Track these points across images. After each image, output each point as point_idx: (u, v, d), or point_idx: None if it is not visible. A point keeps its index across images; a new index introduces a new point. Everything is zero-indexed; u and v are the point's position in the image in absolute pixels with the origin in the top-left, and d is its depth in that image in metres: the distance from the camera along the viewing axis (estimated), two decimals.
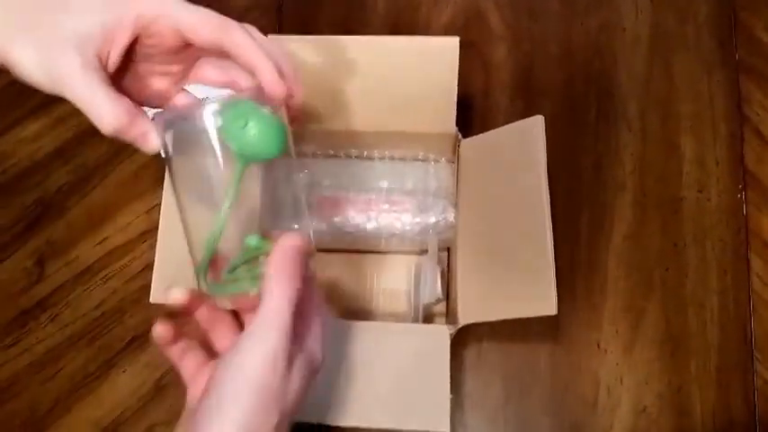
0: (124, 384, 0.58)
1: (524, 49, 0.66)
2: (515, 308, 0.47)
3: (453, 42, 0.51)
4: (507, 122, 0.52)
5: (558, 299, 0.44)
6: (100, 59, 0.35)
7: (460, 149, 0.55)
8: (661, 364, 0.57)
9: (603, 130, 0.63)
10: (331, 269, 0.59)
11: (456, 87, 0.52)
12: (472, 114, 0.63)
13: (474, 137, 0.54)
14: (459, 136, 0.54)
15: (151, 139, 0.36)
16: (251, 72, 0.37)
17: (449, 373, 0.47)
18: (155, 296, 0.48)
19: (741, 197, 0.61)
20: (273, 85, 0.37)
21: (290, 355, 0.34)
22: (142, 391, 0.57)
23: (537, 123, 0.50)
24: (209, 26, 0.36)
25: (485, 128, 0.54)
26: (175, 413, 0.56)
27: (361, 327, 0.48)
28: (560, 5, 0.67)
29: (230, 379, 0.33)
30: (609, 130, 0.63)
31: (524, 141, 0.50)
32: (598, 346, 0.57)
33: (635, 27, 0.65)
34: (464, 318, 0.49)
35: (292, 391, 0.35)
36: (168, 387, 0.57)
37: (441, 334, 0.48)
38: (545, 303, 0.45)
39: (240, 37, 0.37)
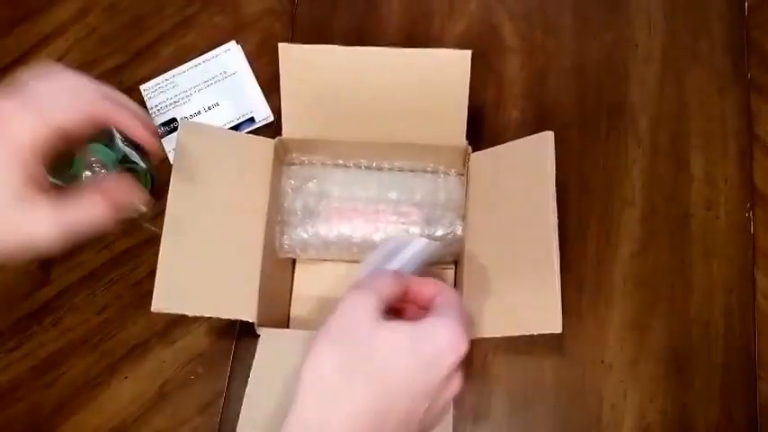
0: (126, 391, 0.57)
1: (537, 62, 0.65)
2: (521, 325, 0.47)
3: (465, 55, 0.50)
4: (518, 134, 0.52)
5: (564, 313, 0.44)
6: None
7: (470, 163, 0.55)
8: (665, 381, 0.56)
9: (614, 145, 0.62)
10: (337, 279, 0.59)
11: (467, 101, 0.52)
12: (483, 125, 0.63)
13: (483, 150, 0.54)
14: (469, 149, 0.54)
15: None
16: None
17: None
18: (156, 305, 0.48)
19: (749, 216, 0.60)
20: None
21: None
22: (144, 398, 0.57)
23: (547, 139, 0.49)
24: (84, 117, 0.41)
25: (496, 139, 0.54)
26: (177, 421, 0.56)
27: None
28: (574, 20, 0.67)
29: None
30: (619, 146, 0.62)
31: (534, 157, 0.50)
32: (602, 361, 0.57)
33: (648, 43, 0.65)
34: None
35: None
36: (170, 395, 0.57)
37: None
38: (550, 321, 0.45)
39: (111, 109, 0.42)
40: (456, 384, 0.38)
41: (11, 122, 0.38)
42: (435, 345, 0.37)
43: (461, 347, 0.37)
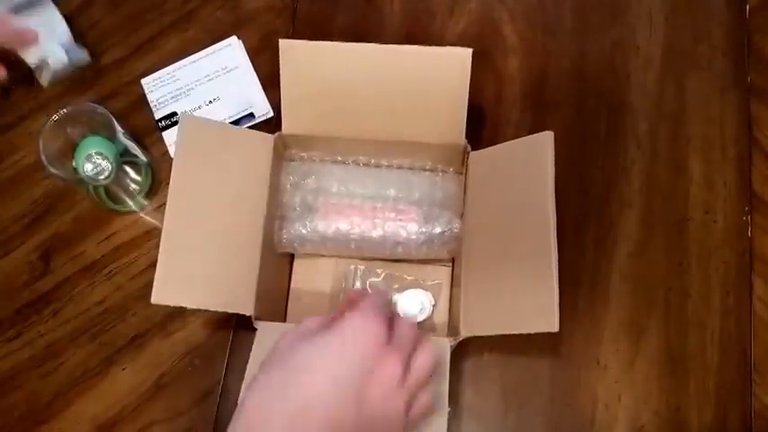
0: (124, 382, 0.58)
1: (537, 63, 0.65)
2: (517, 323, 0.47)
3: (466, 53, 0.50)
4: (517, 134, 0.52)
5: (561, 313, 0.45)
6: None
7: (469, 162, 0.55)
8: (660, 382, 0.57)
9: (613, 146, 0.63)
10: (334, 275, 0.59)
11: (467, 99, 0.52)
12: (482, 125, 0.63)
13: (483, 149, 0.54)
14: (468, 148, 0.54)
15: None
16: None
17: (447, 386, 0.47)
18: (156, 297, 0.48)
19: (747, 219, 0.60)
20: None
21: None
22: (142, 389, 0.57)
23: (546, 139, 0.50)
24: None
25: (494, 139, 0.54)
26: (174, 412, 0.57)
27: None
28: (574, 21, 0.67)
29: None
30: (618, 147, 0.62)
31: (533, 156, 0.50)
32: (598, 362, 0.57)
33: (648, 45, 0.65)
34: (466, 330, 0.49)
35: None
36: (168, 386, 0.57)
37: (441, 346, 0.48)
38: (547, 320, 0.45)
39: None
40: (392, 363, 0.39)
41: None
42: (343, 339, 0.39)
43: (371, 328, 0.39)
